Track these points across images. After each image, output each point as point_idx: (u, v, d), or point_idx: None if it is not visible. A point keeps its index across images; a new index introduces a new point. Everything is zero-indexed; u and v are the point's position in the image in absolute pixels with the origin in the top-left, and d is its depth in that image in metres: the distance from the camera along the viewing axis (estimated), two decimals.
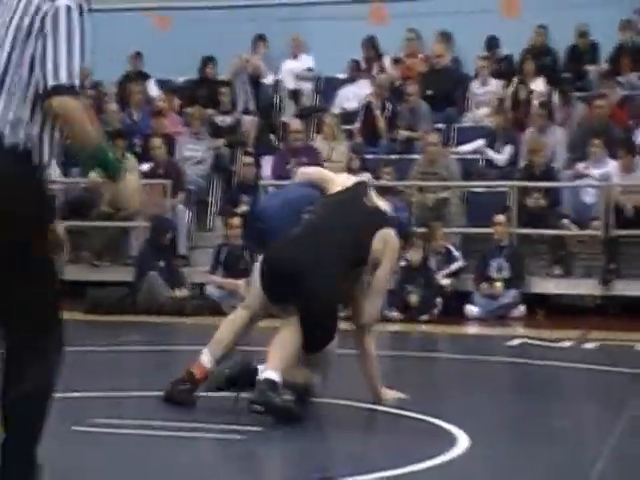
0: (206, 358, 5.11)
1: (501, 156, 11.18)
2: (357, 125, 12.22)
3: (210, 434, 4.57)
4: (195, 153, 11.98)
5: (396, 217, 5.31)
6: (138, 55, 13.43)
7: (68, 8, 3.05)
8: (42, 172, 3.09)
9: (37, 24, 3.01)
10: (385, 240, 5.07)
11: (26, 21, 3.02)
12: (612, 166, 10.48)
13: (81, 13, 3.09)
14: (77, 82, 3.02)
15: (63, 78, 2.98)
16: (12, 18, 3.04)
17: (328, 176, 5.42)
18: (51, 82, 2.99)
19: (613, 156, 10.70)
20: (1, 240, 2.99)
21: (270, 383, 4.71)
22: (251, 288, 5.30)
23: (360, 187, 5.30)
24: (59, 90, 2.99)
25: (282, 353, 4.85)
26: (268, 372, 4.76)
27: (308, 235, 5.01)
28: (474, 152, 11.45)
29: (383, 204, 5.29)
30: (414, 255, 9.69)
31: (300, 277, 4.80)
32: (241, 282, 10.09)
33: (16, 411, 3.06)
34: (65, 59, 3.00)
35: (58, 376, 3.13)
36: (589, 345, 7.87)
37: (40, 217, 3.08)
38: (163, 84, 13.41)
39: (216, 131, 12.40)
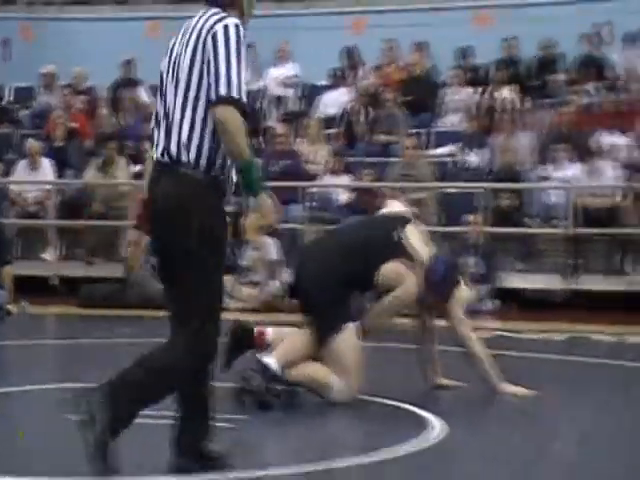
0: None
1: (474, 158, 11.19)
2: (338, 129, 12.20)
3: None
4: None
5: (434, 269, 5.00)
6: (129, 62, 13.36)
7: (226, 27, 3.33)
8: (214, 185, 3.35)
9: (204, 44, 3.32)
10: (398, 273, 4.91)
11: (200, 42, 3.33)
12: (576, 169, 10.52)
13: (238, 32, 3.35)
14: (236, 94, 3.29)
15: (223, 91, 3.26)
16: (189, 40, 3.38)
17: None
18: (212, 95, 3.28)
19: (578, 160, 10.75)
20: (180, 248, 3.31)
21: (264, 367, 4.71)
22: None
23: (396, 219, 5.11)
24: (220, 101, 3.27)
25: (287, 346, 4.85)
26: (269, 358, 4.75)
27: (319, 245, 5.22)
28: (448, 155, 11.46)
29: (420, 246, 5.03)
30: None
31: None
32: (227, 278, 10.09)
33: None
34: (224, 73, 3.27)
35: (182, 372, 3.43)
36: (557, 337, 7.90)
37: (210, 227, 3.35)
38: (154, 90, 13.32)
39: None
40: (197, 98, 3.35)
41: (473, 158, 11.17)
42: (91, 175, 11.34)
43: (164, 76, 3.49)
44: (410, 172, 10.84)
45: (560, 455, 4.05)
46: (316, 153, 11.52)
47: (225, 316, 3.63)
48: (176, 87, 3.39)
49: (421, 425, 4.45)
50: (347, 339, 4.85)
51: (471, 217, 10.02)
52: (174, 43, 3.50)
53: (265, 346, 5.02)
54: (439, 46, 12.86)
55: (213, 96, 3.31)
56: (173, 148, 3.35)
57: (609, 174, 10.35)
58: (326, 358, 4.84)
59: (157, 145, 3.42)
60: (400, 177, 10.83)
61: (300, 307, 5.05)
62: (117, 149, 11.41)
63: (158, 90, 3.53)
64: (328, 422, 4.51)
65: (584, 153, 10.71)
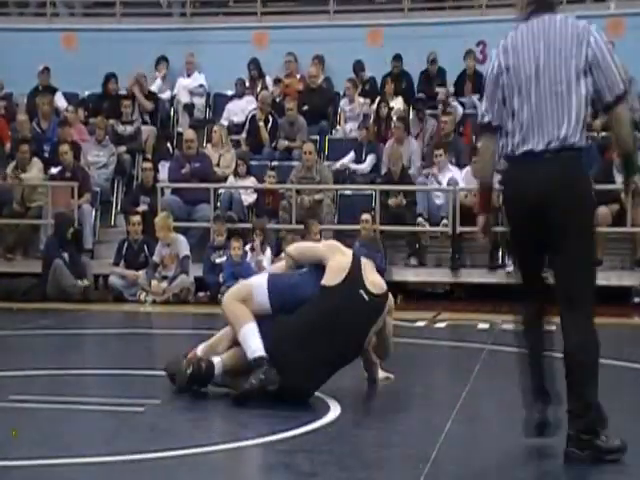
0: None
1: (363, 166, 11.30)
2: (243, 135, 12.18)
3: (114, 407, 4.50)
4: (99, 158, 11.75)
5: (381, 266, 4.82)
6: (46, 70, 13.04)
7: (597, 31, 3.70)
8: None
9: (587, 47, 3.65)
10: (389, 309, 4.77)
11: (583, 45, 3.65)
12: (457, 173, 10.74)
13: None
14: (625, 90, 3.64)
15: (619, 90, 3.62)
16: (562, 45, 3.67)
17: (320, 252, 4.77)
18: (609, 95, 3.63)
19: (459, 164, 10.99)
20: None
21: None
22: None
23: (356, 272, 4.63)
24: (619, 100, 3.62)
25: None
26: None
27: (309, 340, 4.48)
28: (342, 166, 11.53)
29: (375, 277, 4.71)
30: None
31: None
32: (140, 273, 9.97)
33: (569, 358, 3.57)
34: (616, 73, 3.63)
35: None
36: (440, 324, 8.06)
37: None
38: (70, 97, 13.07)
39: (118, 139, 12.18)
40: (579, 95, 3.62)
41: (365, 165, 11.27)
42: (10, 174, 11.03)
43: (528, 78, 3.69)
44: (310, 175, 10.90)
45: (434, 429, 4.15)
46: (222, 157, 11.47)
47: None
48: (555, 86, 3.63)
49: (320, 407, 4.51)
50: None
51: (364, 216, 10.13)
52: (529, 49, 3.72)
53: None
54: (335, 60, 12.96)
55: (611, 97, 3.63)
56: (563, 138, 3.61)
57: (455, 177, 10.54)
58: None
59: (521, 139, 3.66)
60: (301, 180, 10.87)
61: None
62: (31, 152, 11.16)
63: (515, 91, 3.73)
64: (236, 409, 4.53)
65: (465, 159, 10.95)
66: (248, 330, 4.54)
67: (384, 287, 4.77)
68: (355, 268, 4.69)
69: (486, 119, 3.82)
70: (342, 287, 4.62)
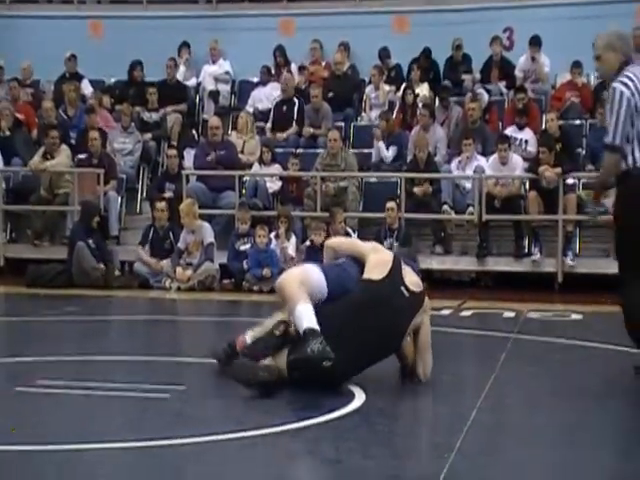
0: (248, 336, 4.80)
1: (389, 153, 11.23)
2: (268, 125, 12.16)
3: (139, 393, 4.52)
4: (125, 145, 11.80)
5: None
6: (73, 57, 13.10)
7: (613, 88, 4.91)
8: None
9: None
10: (425, 309, 4.77)
11: None
12: (483, 161, 10.68)
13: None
14: None
15: None
16: None
17: (361, 247, 4.87)
18: None
19: (485, 152, 10.92)
20: None
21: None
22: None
23: (396, 271, 4.72)
24: None
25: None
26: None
27: (352, 330, 4.50)
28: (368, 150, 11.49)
29: (413, 277, 4.79)
30: (317, 237, 9.71)
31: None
32: (164, 262, 10.00)
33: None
34: None
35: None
36: (465, 313, 8.03)
37: None
38: (96, 84, 13.12)
39: (144, 126, 12.21)
40: None
41: (389, 154, 11.20)
42: (36, 162, 11.11)
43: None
44: (335, 162, 10.87)
45: (461, 418, 4.14)
46: (247, 144, 11.47)
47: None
48: None
49: (344, 395, 4.50)
50: None
51: (389, 204, 10.10)
52: None
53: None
54: (361, 47, 12.91)
55: None
56: None
57: (515, 165, 10.52)
58: None
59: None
60: (325, 167, 10.85)
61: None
62: (59, 138, 11.20)
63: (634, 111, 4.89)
64: (259, 394, 4.53)
65: (491, 146, 10.87)
66: (305, 308, 4.50)
67: (422, 286, 4.87)
68: (396, 265, 4.77)
69: (617, 142, 4.95)
70: (385, 281, 4.69)
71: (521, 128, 11.14)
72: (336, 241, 5.26)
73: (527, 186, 10.46)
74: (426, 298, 4.88)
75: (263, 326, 4.85)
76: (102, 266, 9.80)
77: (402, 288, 4.71)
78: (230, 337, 4.97)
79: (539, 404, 3.98)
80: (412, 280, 4.82)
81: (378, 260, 4.76)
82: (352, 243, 5.11)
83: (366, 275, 4.70)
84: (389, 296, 4.65)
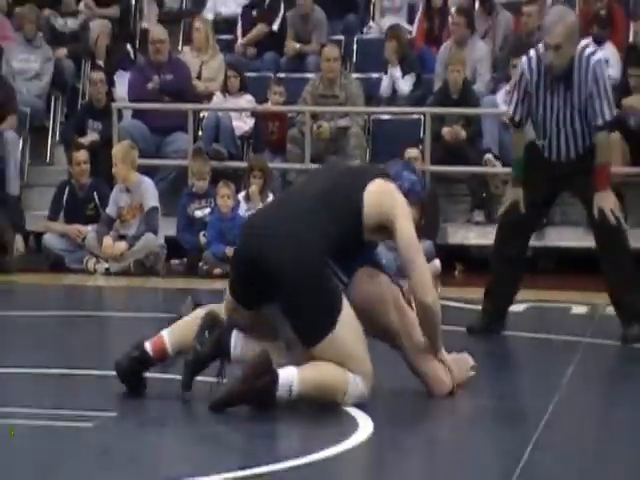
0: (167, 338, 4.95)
1: (405, 85, 11.16)
2: (235, 35, 12.13)
3: (51, 422, 4.54)
4: (29, 65, 11.76)
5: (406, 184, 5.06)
6: None
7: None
8: None
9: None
10: (381, 193, 4.85)
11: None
12: None
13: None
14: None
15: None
16: None
17: None
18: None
19: None
20: None
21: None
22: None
23: (371, 169, 5.19)
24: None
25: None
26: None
27: (275, 208, 4.99)
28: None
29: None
30: None
31: (275, 270, 4.67)
32: (88, 229, 10.00)
33: None
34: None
35: None
36: (516, 307, 8.04)
37: None
38: None
39: (56, 38, 12.17)
40: None
41: (404, 86, 11.13)
42: None
43: None
44: (331, 92, 10.85)
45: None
46: (206, 66, 11.44)
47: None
48: None
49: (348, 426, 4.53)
50: (346, 322, 4.73)
51: (410, 151, 10.09)
52: None
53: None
54: None
55: None
56: None
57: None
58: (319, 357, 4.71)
59: None
60: (318, 99, 10.83)
61: (249, 297, 4.81)
62: None
63: None
64: (250, 424, 4.58)
65: None
66: None
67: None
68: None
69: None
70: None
71: (599, 42, 11.10)
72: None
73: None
74: (390, 187, 4.93)
75: (184, 325, 4.93)
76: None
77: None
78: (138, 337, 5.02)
79: (618, 440, 4.00)
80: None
81: None
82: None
83: None
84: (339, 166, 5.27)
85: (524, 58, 6.47)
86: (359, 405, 4.76)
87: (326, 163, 5.17)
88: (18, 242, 10.06)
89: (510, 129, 7.13)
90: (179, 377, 4.94)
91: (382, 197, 4.86)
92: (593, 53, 6.36)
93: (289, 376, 4.65)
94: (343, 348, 4.71)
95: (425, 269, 4.98)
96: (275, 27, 11.97)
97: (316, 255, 4.71)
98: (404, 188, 5.02)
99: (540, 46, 6.40)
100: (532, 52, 6.45)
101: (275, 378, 4.62)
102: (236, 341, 4.85)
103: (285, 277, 4.66)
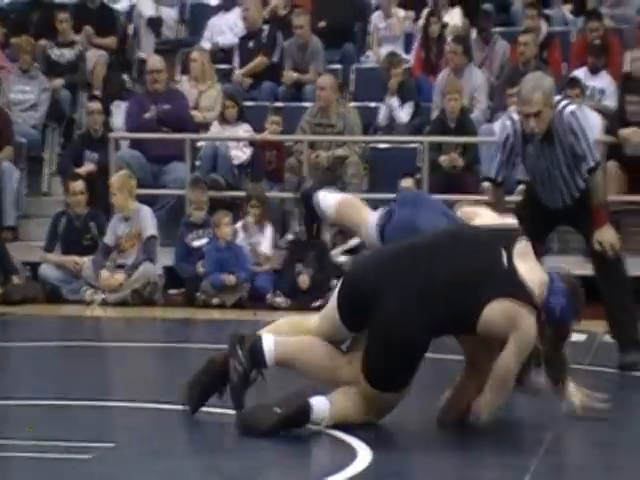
0: None
1: (403, 112, 11.20)
2: (233, 64, 12.16)
3: (47, 454, 4.53)
4: (25, 96, 11.79)
5: (549, 303, 5.05)
6: None
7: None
8: None
9: None
10: (511, 317, 4.83)
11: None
12: None
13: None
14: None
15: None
16: None
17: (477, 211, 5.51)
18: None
19: None
20: None
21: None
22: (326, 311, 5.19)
23: (507, 236, 5.19)
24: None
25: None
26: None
27: (397, 256, 5.07)
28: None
29: (531, 274, 5.07)
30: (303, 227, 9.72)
31: (377, 299, 4.85)
32: (85, 260, 10.00)
33: None
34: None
35: None
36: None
37: None
38: None
39: (52, 68, 12.20)
40: None
41: (403, 115, 11.17)
42: None
43: None
44: (328, 121, 10.87)
45: None
46: (203, 95, 11.47)
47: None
48: None
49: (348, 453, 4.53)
50: (403, 395, 4.98)
51: (405, 181, 10.11)
52: None
53: None
54: None
55: None
56: None
57: (590, 123, 10.49)
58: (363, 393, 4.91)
59: None
60: (316, 128, 10.86)
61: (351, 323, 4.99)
62: None
63: None
64: (249, 454, 4.56)
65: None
66: None
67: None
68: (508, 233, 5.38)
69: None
70: (480, 229, 5.34)
71: (595, 72, 11.15)
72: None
73: (603, 153, 10.48)
74: (525, 314, 4.89)
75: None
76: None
77: (502, 254, 5.01)
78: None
79: (618, 466, 3.98)
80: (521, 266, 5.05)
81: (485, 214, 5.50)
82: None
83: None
84: (479, 239, 5.11)
85: (508, 122, 6.50)
86: (358, 434, 4.77)
87: (455, 226, 5.10)
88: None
89: (488, 190, 7.14)
90: (176, 407, 4.94)
91: (502, 323, 4.86)
92: (565, 106, 6.37)
93: (320, 412, 4.81)
94: (384, 405, 4.95)
95: (497, 402, 5.03)
96: (275, 59, 12.03)
97: (422, 337, 4.87)
98: (554, 318, 5.05)
99: (515, 116, 6.41)
100: (515, 115, 6.47)
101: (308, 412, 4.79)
102: (269, 346, 4.95)
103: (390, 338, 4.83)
